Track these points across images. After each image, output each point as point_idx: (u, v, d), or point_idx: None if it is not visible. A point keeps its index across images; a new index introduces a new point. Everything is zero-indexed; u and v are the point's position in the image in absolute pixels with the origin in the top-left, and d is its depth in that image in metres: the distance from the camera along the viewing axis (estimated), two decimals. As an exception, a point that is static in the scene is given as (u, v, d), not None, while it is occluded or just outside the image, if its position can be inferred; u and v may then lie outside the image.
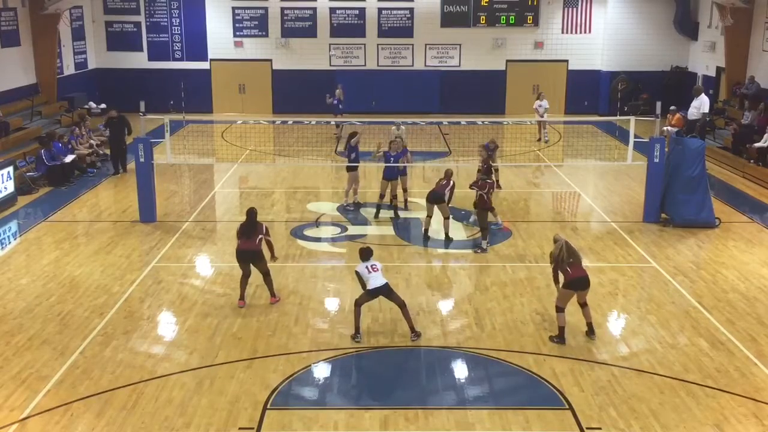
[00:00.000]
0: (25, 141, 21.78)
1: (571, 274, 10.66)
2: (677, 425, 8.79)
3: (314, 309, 12.05)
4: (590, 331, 11.01)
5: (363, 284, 10.85)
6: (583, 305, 10.95)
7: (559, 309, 10.82)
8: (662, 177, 16.23)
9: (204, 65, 31.15)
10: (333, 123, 25.36)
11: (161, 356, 10.47)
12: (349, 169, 17.21)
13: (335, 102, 25.29)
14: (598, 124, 28.34)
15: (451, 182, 15.26)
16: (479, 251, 14.58)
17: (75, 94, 27.70)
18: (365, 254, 10.96)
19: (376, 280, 10.73)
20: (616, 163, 21.66)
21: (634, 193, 18.56)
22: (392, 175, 16.60)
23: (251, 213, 12.20)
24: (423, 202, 17.71)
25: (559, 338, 10.84)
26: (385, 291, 10.80)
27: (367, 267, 10.81)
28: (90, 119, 25.18)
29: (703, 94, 23.02)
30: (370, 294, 10.81)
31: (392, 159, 16.50)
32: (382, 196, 16.76)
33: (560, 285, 10.83)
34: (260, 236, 12.00)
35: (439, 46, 31.08)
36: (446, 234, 15.22)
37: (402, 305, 10.89)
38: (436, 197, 15.15)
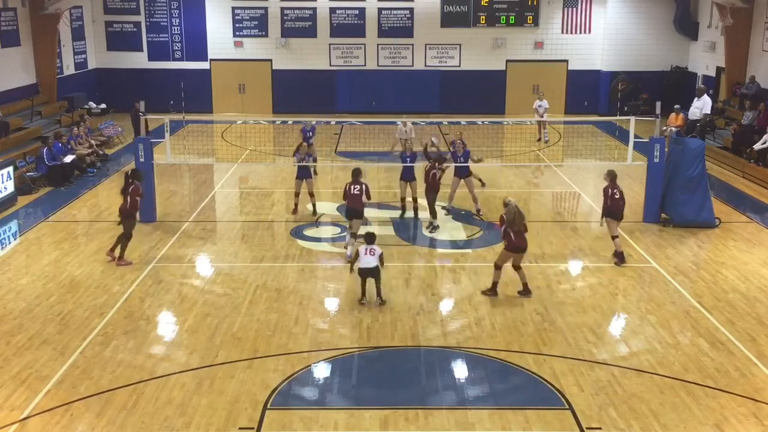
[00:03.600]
0: (25, 141, 21.78)
1: (514, 242, 12.12)
2: (677, 425, 8.79)
3: (314, 309, 12.05)
4: (525, 291, 12.41)
5: (354, 260, 12.23)
6: (518, 268, 12.41)
7: (498, 267, 12.37)
8: (662, 177, 16.23)
9: (204, 65, 31.16)
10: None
11: (161, 356, 10.48)
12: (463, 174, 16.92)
13: (308, 133, 21.01)
14: (598, 124, 28.33)
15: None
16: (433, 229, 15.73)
17: (75, 94, 27.70)
18: (369, 238, 12.16)
19: (367, 262, 11.92)
20: (616, 163, 21.62)
21: (634, 193, 18.54)
22: (410, 176, 16.52)
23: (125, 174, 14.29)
24: (422, 201, 17.73)
25: (492, 291, 12.40)
26: (373, 273, 11.99)
27: (366, 249, 12.00)
28: (90, 119, 25.22)
29: (705, 95, 23.01)
30: (360, 274, 12.05)
31: (408, 160, 16.48)
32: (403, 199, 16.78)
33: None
34: (127, 197, 13.87)
35: (439, 46, 31.08)
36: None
37: (378, 281, 12.11)
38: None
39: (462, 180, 16.84)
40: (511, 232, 12.08)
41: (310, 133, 20.17)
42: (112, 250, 14.03)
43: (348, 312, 11.88)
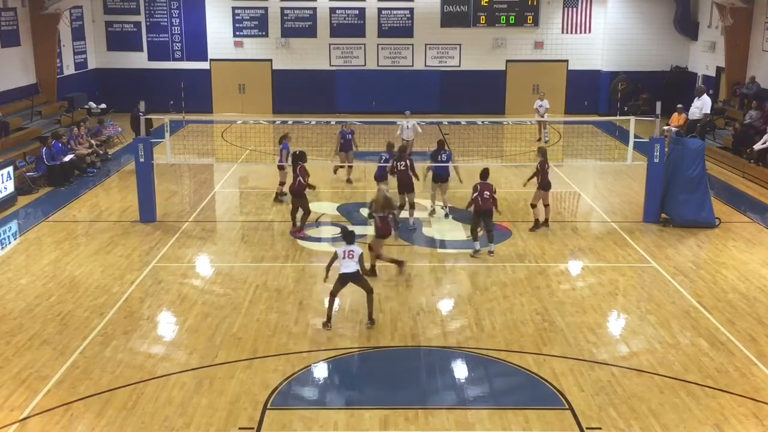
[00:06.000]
0: (25, 141, 21.77)
1: (380, 228, 12.97)
2: (677, 425, 8.79)
3: (314, 309, 12.04)
4: (373, 272, 12.98)
5: (331, 264, 11.30)
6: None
7: (372, 249, 13.05)
8: (662, 177, 16.23)
9: (204, 65, 31.15)
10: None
11: (161, 356, 10.48)
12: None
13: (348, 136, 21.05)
14: (598, 124, 28.33)
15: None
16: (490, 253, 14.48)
17: (75, 94, 27.70)
18: (348, 237, 11.33)
19: (347, 267, 11.05)
20: (616, 163, 21.65)
21: (634, 193, 18.56)
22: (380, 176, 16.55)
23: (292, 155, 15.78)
24: (421, 202, 17.71)
25: (371, 272, 12.87)
26: (354, 278, 11.15)
27: (345, 251, 11.10)
28: (91, 119, 25.20)
29: (705, 95, 23.01)
30: (341, 281, 11.13)
31: (382, 160, 16.67)
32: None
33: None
34: (296, 177, 15.21)
35: (439, 46, 31.08)
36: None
37: (369, 291, 11.28)
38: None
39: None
40: (377, 218, 12.92)
41: (349, 136, 19.61)
42: (295, 225, 15.58)
43: (348, 312, 11.87)
